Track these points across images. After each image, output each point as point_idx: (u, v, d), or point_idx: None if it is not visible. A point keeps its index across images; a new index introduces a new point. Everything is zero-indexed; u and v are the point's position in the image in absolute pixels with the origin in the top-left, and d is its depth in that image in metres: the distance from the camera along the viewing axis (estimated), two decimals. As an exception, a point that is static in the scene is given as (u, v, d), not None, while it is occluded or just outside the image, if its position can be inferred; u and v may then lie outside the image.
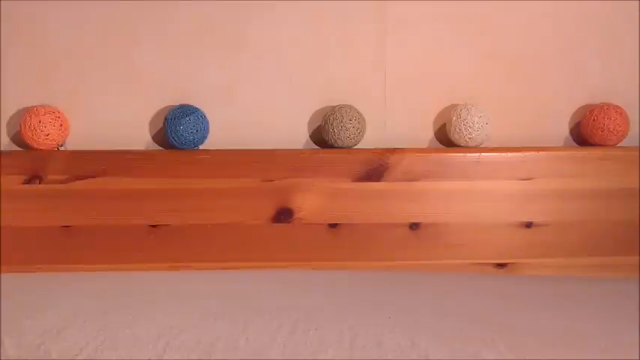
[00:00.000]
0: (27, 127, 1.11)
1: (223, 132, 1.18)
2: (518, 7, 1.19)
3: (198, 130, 1.12)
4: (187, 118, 1.12)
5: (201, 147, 1.16)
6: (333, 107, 1.16)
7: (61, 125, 1.13)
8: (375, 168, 1.13)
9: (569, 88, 1.21)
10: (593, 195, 1.15)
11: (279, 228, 1.13)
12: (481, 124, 1.14)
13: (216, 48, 1.18)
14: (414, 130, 1.20)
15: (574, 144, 1.22)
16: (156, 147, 1.18)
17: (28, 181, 1.10)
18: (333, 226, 1.14)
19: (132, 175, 1.11)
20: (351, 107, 1.15)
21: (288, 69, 1.19)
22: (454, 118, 1.15)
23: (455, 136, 1.16)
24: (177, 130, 1.12)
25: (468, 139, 1.15)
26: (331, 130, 1.14)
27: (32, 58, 1.16)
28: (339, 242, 1.14)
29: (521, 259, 1.15)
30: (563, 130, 1.22)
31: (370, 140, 1.18)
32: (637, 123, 1.20)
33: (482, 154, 1.14)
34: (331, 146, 1.16)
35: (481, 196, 1.14)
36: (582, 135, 1.20)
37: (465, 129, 1.14)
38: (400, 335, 0.75)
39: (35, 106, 1.13)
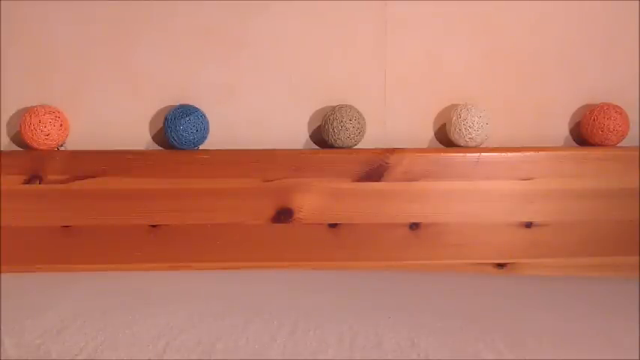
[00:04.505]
0: (27, 127, 1.11)
1: (223, 132, 1.18)
2: (518, 7, 1.19)
3: (198, 130, 1.12)
4: (187, 118, 1.12)
5: (201, 147, 1.16)
6: (333, 107, 1.16)
7: (61, 125, 1.13)
8: (375, 168, 1.13)
9: (569, 88, 1.21)
10: (593, 195, 1.15)
11: (279, 228, 1.13)
12: (481, 124, 1.14)
13: (216, 48, 1.18)
14: (414, 130, 1.20)
15: (574, 144, 1.22)
16: (156, 147, 1.18)
17: (28, 181, 1.10)
18: (333, 226, 1.14)
19: (132, 175, 1.11)
20: (351, 107, 1.15)
21: (288, 69, 1.19)
22: (454, 118, 1.15)
23: (455, 136, 1.16)
24: (177, 130, 1.12)
25: (468, 139, 1.15)
26: (331, 130, 1.14)
27: (32, 58, 1.16)
28: (339, 242, 1.14)
29: (521, 259, 1.15)
30: (563, 130, 1.22)
31: (370, 140, 1.18)
32: (637, 123, 1.20)
33: (482, 154, 1.14)
34: (331, 146, 1.16)
35: (481, 196, 1.14)
36: (582, 135, 1.20)
37: (465, 129, 1.14)
38: (400, 335, 0.75)
39: (35, 106, 1.13)
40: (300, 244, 1.13)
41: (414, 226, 1.14)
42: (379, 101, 1.20)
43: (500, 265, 1.15)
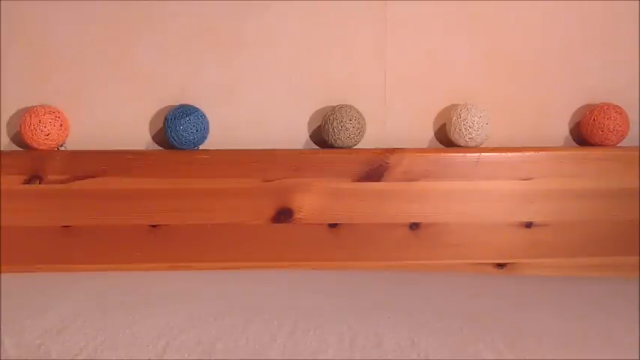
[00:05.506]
0: (27, 127, 1.11)
1: (223, 132, 1.18)
2: (518, 7, 1.19)
3: (198, 130, 1.12)
4: (187, 118, 1.12)
5: (201, 147, 1.16)
6: (333, 107, 1.16)
7: (61, 125, 1.13)
8: (375, 168, 1.13)
9: (569, 88, 1.21)
10: (593, 195, 1.15)
11: (279, 228, 1.13)
12: (481, 124, 1.14)
13: (216, 48, 1.18)
14: (414, 130, 1.20)
15: (574, 144, 1.22)
16: (156, 147, 1.18)
17: (28, 181, 1.10)
18: (333, 226, 1.14)
19: (132, 175, 1.11)
20: (351, 107, 1.15)
21: (288, 69, 1.19)
22: (454, 118, 1.15)
23: (455, 136, 1.16)
24: (177, 130, 1.12)
25: (468, 139, 1.15)
26: (331, 130, 1.14)
27: (32, 58, 1.16)
28: (339, 242, 1.14)
29: (521, 259, 1.15)
30: (563, 130, 1.22)
31: (370, 140, 1.18)
32: (637, 123, 1.20)
33: (482, 154, 1.14)
34: (331, 146, 1.16)
35: (481, 196, 1.14)
36: (582, 135, 1.20)
37: (465, 129, 1.14)
38: (400, 335, 0.75)
39: (35, 106, 1.13)
40: (300, 244, 1.13)
41: (414, 226, 1.14)
42: (379, 101, 1.20)
43: (500, 265, 1.15)
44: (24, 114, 1.12)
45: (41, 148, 1.12)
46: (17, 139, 1.16)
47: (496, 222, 1.15)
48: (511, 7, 1.19)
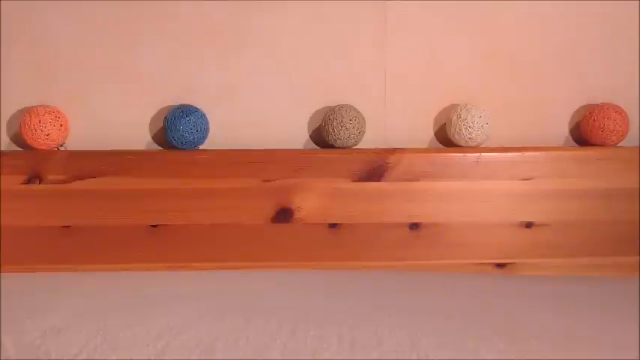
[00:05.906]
0: (27, 127, 1.11)
1: (223, 132, 1.18)
2: (518, 7, 1.19)
3: (198, 130, 1.12)
4: (187, 118, 1.12)
5: (201, 147, 1.16)
6: (333, 107, 1.16)
7: (61, 125, 1.13)
8: (375, 168, 1.13)
9: (569, 88, 1.21)
10: (593, 195, 1.15)
11: (279, 228, 1.13)
12: (481, 124, 1.14)
13: (216, 48, 1.18)
14: (414, 130, 1.20)
15: (574, 144, 1.22)
16: (156, 147, 1.18)
17: (28, 181, 1.10)
18: (333, 226, 1.14)
19: (132, 175, 1.11)
20: (351, 107, 1.15)
21: (288, 69, 1.19)
22: (454, 118, 1.15)
23: (455, 136, 1.16)
24: (178, 130, 1.12)
25: (468, 139, 1.15)
26: (331, 130, 1.14)
27: (32, 58, 1.16)
28: (340, 242, 1.14)
29: (521, 259, 1.15)
30: (563, 130, 1.22)
31: (370, 140, 1.18)
32: (637, 123, 1.20)
33: (482, 154, 1.14)
34: (331, 146, 1.16)
35: (481, 196, 1.14)
36: (582, 135, 1.20)
37: (465, 129, 1.14)
38: (400, 335, 0.75)
39: (35, 106, 1.13)
40: (300, 244, 1.13)
41: (414, 226, 1.14)
42: (379, 101, 1.20)
43: (500, 265, 1.15)
44: (24, 114, 1.12)
45: (41, 148, 1.12)
46: (17, 139, 1.16)
47: (496, 222, 1.15)
48: (511, 7, 1.19)
